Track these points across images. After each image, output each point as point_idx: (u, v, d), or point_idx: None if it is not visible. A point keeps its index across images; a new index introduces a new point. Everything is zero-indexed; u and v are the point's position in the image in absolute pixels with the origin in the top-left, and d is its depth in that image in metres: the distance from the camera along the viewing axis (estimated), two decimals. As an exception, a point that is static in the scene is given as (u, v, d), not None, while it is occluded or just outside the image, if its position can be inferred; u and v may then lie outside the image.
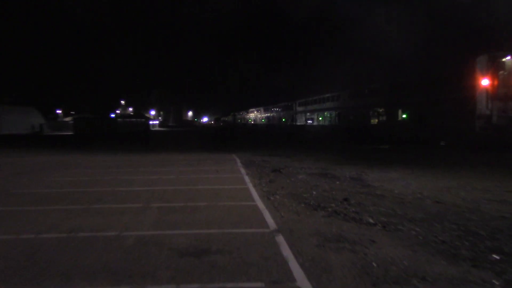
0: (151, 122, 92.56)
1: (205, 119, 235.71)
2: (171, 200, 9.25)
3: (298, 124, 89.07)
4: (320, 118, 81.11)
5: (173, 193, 10.01)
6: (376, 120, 56.54)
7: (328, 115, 76.74)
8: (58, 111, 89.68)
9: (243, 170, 14.32)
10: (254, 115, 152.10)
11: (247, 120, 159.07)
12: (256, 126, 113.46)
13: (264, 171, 14.20)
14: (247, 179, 12.27)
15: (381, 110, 55.30)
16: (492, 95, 22.83)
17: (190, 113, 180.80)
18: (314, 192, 10.11)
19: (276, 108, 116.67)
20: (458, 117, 33.16)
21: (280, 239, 6.39)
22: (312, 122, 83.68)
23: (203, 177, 12.78)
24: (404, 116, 49.15)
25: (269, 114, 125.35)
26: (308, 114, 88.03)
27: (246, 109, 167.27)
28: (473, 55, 25.50)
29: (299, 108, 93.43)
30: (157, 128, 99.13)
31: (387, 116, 53.19)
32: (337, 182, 11.61)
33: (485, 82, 23.17)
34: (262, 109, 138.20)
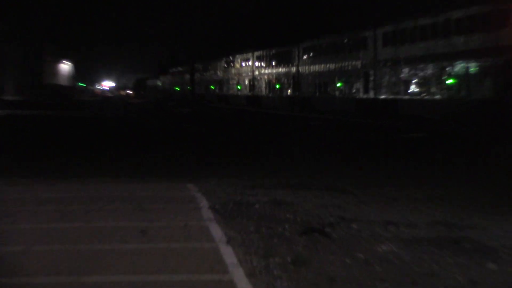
0: None
1: (106, 85, 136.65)
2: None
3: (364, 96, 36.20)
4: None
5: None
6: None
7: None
8: None
9: (218, 230, 5.42)
10: (237, 73, 62.45)
11: (210, 87, 71.88)
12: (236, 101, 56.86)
13: (277, 232, 5.47)
14: (230, 256, 4.48)
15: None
16: None
17: (64, 67, 78.77)
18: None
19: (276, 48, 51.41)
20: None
21: None
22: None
23: (106, 249, 4.74)
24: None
25: (280, 69, 51.18)
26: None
27: (219, 57, 69.05)
28: None
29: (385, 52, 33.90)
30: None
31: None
32: (490, 264, 4.43)
33: None
34: (264, 55, 54.91)
